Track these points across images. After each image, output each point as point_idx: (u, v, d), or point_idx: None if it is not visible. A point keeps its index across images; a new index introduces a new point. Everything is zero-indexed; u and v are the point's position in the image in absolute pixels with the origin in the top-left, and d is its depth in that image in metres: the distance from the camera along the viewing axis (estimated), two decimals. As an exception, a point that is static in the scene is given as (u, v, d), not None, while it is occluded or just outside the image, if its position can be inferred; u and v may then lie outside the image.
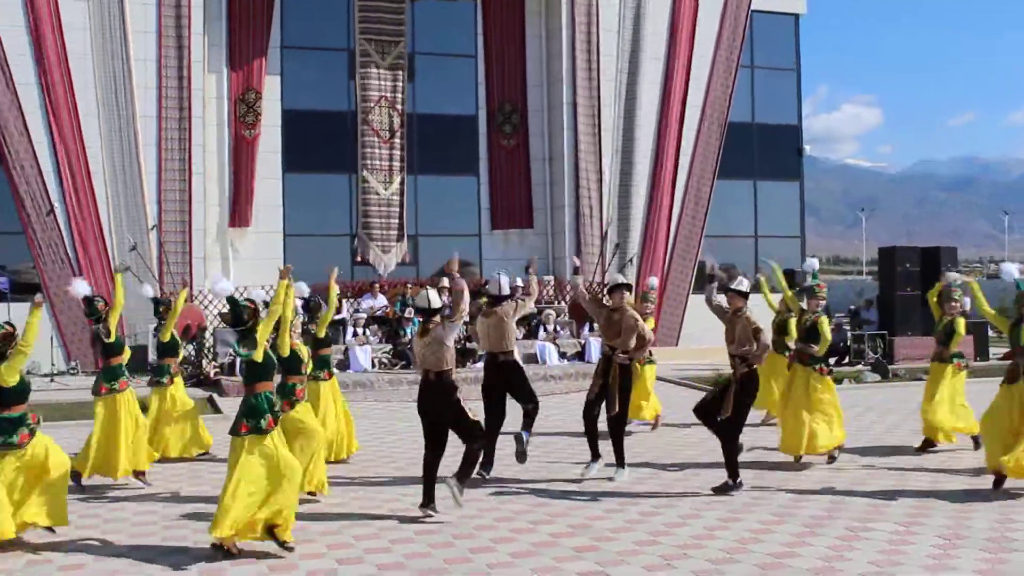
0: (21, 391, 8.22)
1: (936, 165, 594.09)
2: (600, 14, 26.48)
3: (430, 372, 9.01)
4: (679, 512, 8.99)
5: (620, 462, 10.60)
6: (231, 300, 8.15)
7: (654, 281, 15.66)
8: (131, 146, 23.36)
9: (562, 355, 22.78)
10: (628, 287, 10.85)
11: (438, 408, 9.00)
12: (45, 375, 20.59)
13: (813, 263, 13.03)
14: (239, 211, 25.11)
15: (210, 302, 23.22)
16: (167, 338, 12.31)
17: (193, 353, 22.11)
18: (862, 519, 8.64)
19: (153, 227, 23.42)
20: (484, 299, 10.76)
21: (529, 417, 10.56)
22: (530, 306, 10.64)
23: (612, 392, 10.39)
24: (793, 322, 12.90)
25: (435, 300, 9.12)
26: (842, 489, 9.87)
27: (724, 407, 9.91)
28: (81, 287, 10.74)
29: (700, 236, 27.18)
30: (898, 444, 12.46)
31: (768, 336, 9.90)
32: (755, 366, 9.90)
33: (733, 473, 9.86)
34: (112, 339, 10.75)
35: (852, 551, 7.63)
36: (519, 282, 24.06)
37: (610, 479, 10.44)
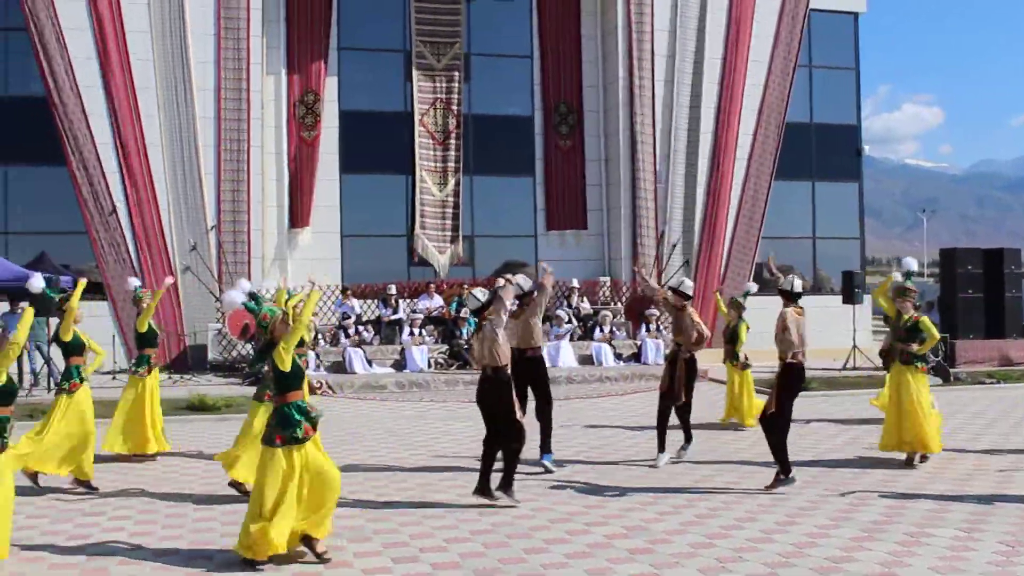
0: (10, 392, 7.69)
1: (998, 165, 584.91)
2: (655, 14, 26.34)
3: (487, 368, 9.39)
4: (735, 515, 8.93)
5: (687, 438, 11.91)
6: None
7: (752, 287, 15.69)
8: (191, 147, 23.66)
9: (618, 356, 22.72)
10: (688, 296, 11.94)
11: (493, 401, 9.40)
12: (107, 373, 20.89)
13: (909, 262, 12.76)
14: (298, 212, 25.34)
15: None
16: (144, 328, 12.45)
17: (251, 352, 22.34)
18: (921, 524, 8.52)
19: (212, 227, 23.68)
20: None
21: (545, 434, 11.19)
22: (547, 292, 11.11)
23: (678, 384, 11.48)
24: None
25: (481, 296, 9.41)
26: (901, 493, 9.74)
27: (768, 403, 10.19)
28: (37, 282, 10.70)
29: (758, 237, 26.95)
30: (960, 447, 12.27)
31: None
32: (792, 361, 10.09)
33: (784, 468, 9.99)
34: (69, 338, 10.85)
35: (912, 556, 7.52)
36: (575, 283, 24.14)
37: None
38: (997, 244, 29.53)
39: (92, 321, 20.37)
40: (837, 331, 23.76)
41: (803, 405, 16.30)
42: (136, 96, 23.31)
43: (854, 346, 22.92)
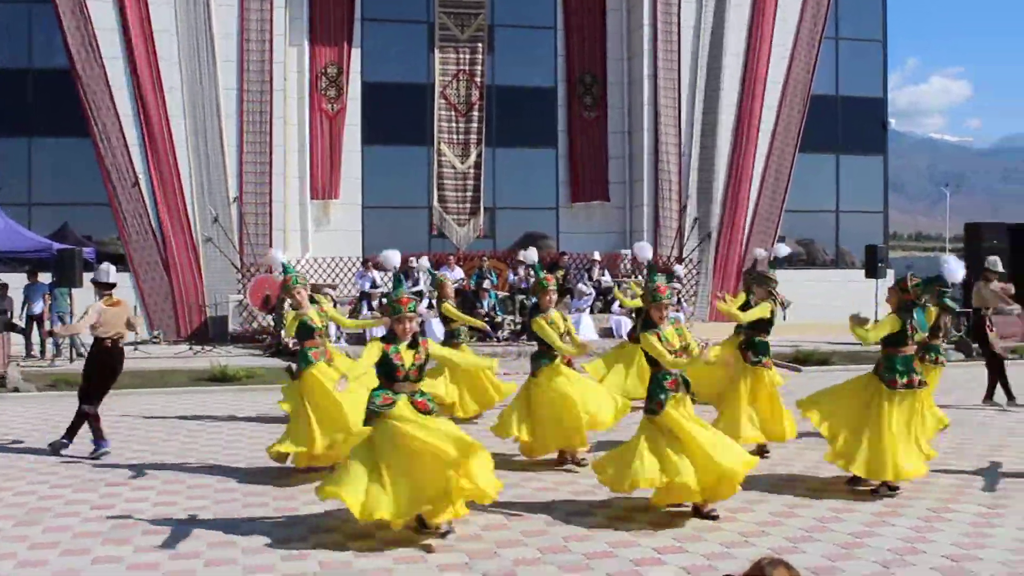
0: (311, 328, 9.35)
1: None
2: (681, -15, 26.16)
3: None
4: (759, 490, 8.88)
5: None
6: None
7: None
8: (214, 119, 23.67)
9: (637, 329, 22.63)
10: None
11: None
12: (129, 344, 20.96)
13: (781, 248, 12.67)
14: (323, 183, 25.34)
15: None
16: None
17: (272, 323, 22.38)
18: (945, 500, 8.46)
19: (235, 199, 23.72)
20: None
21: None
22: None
23: None
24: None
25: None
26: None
27: None
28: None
29: (780, 211, 26.83)
30: (984, 422, 12.19)
31: None
32: None
33: None
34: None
35: (934, 532, 7.47)
36: (596, 256, 23.95)
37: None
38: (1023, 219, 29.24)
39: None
40: (859, 305, 23.57)
41: (826, 380, 16.22)
42: (159, 68, 23.34)
43: (876, 320, 22.80)
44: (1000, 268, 14.37)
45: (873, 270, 23.63)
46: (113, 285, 10.82)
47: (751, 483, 9.11)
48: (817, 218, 28.55)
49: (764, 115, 26.74)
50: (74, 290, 19.44)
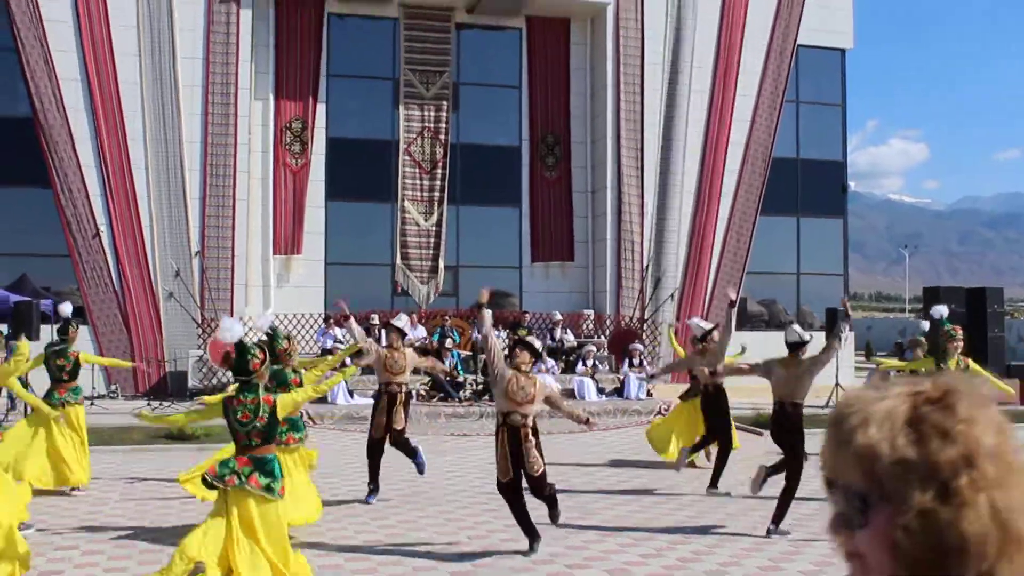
0: None
1: (982, 202, 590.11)
2: (645, 47, 26.42)
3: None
4: (719, 559, 8.81)
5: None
6: (239, 346, 7.56)
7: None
8: (177, 171, 23.57)
9: (600, 390, 22.60)
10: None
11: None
12: (86, 399, 20.65)
13: (941, 309, 13.34)
14: (286, 238, 25.22)
15: (250, 329, 23.28)
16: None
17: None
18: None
19: (197, 253, 23.56)
20: (524, 331, 10.86)
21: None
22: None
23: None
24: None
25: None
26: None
27: None
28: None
29: (742, 273, 26.97)
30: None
31: None
32: None
33: None
34: None
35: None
36: (558, 316, 23.82)
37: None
38: (979, 279, 29.69)
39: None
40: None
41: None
42: (123, 118, 23.24)
43: (836, 384, 22.88)
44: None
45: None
46: (399, 330, 11.93)
47: (715, 554, 9.05)
48: (778, 280, 28.72)
49: (726, 176, 26.95)
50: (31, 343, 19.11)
